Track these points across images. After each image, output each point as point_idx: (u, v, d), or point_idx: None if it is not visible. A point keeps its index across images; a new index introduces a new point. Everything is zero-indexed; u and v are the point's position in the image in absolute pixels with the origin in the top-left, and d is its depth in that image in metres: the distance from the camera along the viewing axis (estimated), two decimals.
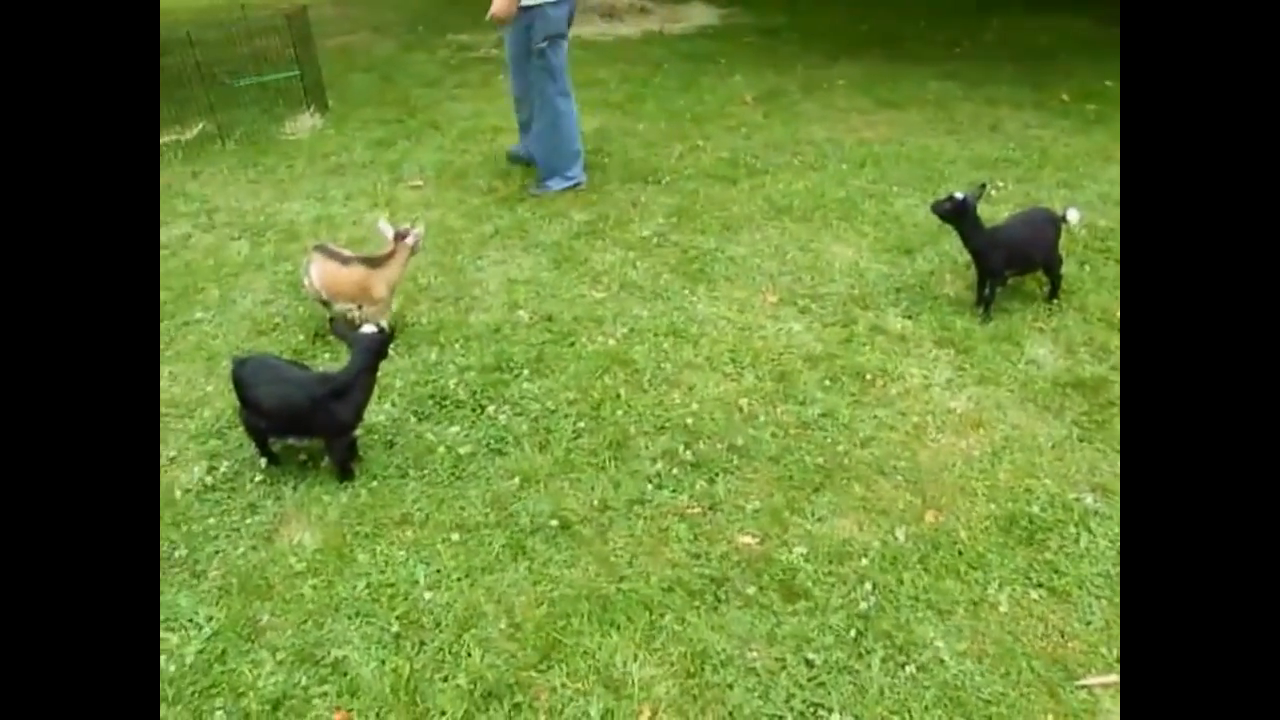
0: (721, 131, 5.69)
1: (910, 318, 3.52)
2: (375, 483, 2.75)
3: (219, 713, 2.07)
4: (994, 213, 4.06)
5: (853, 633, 2.20)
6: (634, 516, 2.59)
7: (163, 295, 3.88)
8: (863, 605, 2.27)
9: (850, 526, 2.53)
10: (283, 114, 6.12)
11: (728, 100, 6.29)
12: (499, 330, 3.55)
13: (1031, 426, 2.90)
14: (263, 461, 2.80)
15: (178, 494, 2.74)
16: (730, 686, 2.08)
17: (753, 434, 2.90)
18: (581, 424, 2.98)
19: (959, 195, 3.33)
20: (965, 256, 3.53)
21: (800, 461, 2.77)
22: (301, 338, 3.55)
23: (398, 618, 2.29)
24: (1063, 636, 2.18)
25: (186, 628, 2.30)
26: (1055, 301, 3.52)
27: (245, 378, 2.68)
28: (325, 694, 2.10)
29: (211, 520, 2.64)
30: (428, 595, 2.35)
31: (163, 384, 3.29)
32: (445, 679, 2.12)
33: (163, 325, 3.67)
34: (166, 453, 2.93)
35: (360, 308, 3.43)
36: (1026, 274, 3.58)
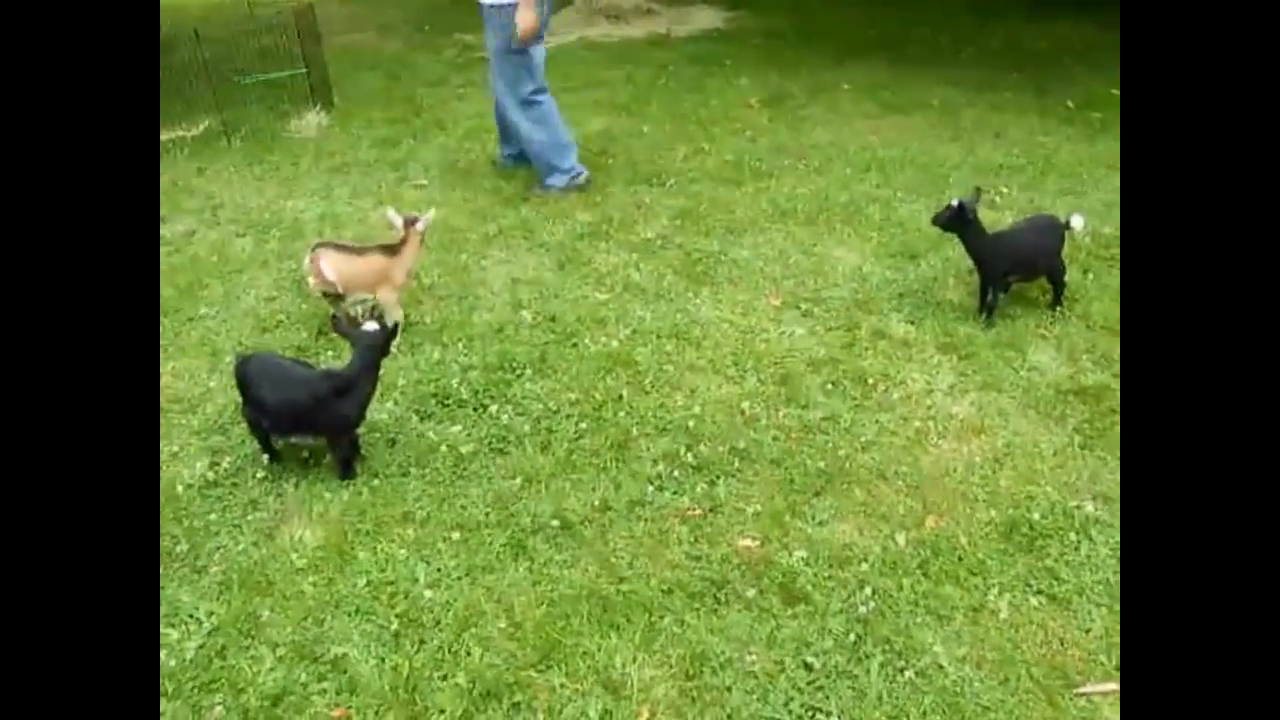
0: (726, 134, 5.69)
1: (913, 323, 3.52)
2: (377, 481, 2.75)
3: (218, 708, 2.07)
4: (998, 219, 4.06)
5: (852, 637, 2.20)
6: (635, 518, 2.59)
7: (167, 291, 3.89)
8: (862, 610, 2.27)
9: (851, 531, 2.53)
10: (289, 112, 6.12)
11: (733, 103, 6.29)
12: (502, 330, 3.56)
13: (1033, 433, 2.90)
14: (265, 458, 2.81)
15: (180, 489, 2.75)
16: (729, 689, 2.08)
17: (754, 437, 2.90)
18: (583, 425, 2.99)
19: (955, 202, 3.33)
20: (968, 262, 3.53)
21: (801, 465, 2.77)
22: (304, 335, 3.56)
23: (398, 616, 2.29)
24: (1062, 644, 2.18)
25: (187, 623, 2.30)
26: (1058, 308, 3.52)
27: (249, 375, 2.69)
28: (324, 691, 2.11)
29: (213, 516, 2.65)
30: (428, 594, 2.36)
31: (166, 379, 3.30)
32: (444, 678, 2.13)
33: (167, 321, 3.68)
34: (169, 448, 2.94)
35: (373, 298, 3.45)
36: (1029, 280, 3.58)
